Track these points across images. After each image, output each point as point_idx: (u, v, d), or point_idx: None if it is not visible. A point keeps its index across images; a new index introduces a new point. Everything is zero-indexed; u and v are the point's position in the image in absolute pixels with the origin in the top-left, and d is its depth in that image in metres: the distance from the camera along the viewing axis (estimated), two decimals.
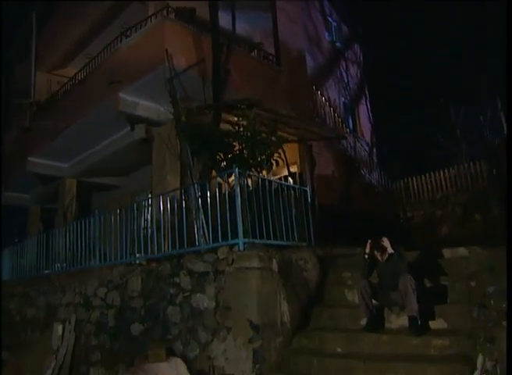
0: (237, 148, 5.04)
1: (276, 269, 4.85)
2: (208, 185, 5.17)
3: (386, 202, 11.65)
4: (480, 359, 3.53)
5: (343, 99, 12.47)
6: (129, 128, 8.94)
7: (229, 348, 4.47)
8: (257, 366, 4.28)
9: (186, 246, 5.30)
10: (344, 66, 12.85)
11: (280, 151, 5.62)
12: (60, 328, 6.47)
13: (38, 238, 8.28)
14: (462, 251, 5.24)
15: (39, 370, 6.29)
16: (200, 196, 5.24)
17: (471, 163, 12.04)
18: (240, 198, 4.83)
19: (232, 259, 4.64)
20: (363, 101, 13.62)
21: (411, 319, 4.18)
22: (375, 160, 12.68)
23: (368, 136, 13.25)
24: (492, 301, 3.83)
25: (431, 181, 12.90)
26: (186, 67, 6.95)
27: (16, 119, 11.51)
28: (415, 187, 13.14)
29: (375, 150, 13.31)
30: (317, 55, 11.60)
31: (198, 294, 4.89)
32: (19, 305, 8.13)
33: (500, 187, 9.74)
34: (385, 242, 4.47)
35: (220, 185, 5.16)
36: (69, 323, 6.51)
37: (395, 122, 13.90)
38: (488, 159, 11.21)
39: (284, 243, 5.38)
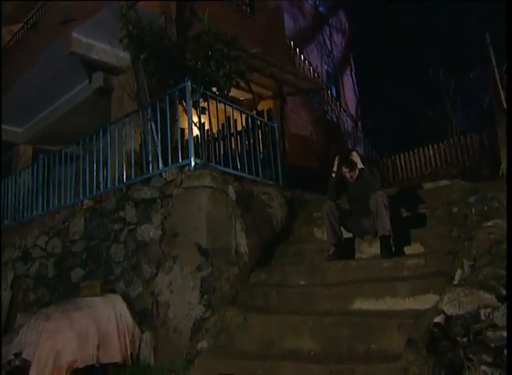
0: (191, 62, 4.64)
1: (234, 198, 4.46)
2: (158, 105, 4.77)
3: None
4: (458, 273, 3.19)
5: (326, 67, 12.20)
6: (87, 82, 8.56)
7: (175, 280, 4.05)
8: (205, 296, 3.87)
9: (134, 176, 4.88)
10: (328, 33, 12.60)
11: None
12: None
13: None
14: (444, 182, 4.95)
15: None
16: (149, 119, 4.83)
17: (462, 136, 11.83)
18: (191, 115, 4.45)
19: (181, 180, 4.24)
20: (348, 72, 13.38)
21: (383, 238, 3.81)
22: (360, 133, 12.39)
23: (352, 109, 12.98)
24: (473, 209, 3.50)
25: (419, 157, 12.65)
26: None
27: None
28: (403, 163, 12.88)
29: (360, 124, 13.03)
30: (297, 17, 11.33)
31: (144, 226, 4.48)
32: None
33: (492, 157, 9.55)
34: (355, 156, 4.10)
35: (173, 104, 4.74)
36: (5, 280, 6.01)
37: (382, 96, 13.62)
38: (480, 130, 11.03)
39: (245, 175, 4.99)
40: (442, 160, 12.20)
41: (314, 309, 3.58)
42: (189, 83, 4.47)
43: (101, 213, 5.01)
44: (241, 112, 5.37)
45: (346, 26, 13.79)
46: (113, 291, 4.50)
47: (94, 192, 5.31)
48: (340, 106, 11.31)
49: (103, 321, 3.88)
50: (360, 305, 3.46)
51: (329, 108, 10.28)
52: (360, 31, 13.98)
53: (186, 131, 4.63)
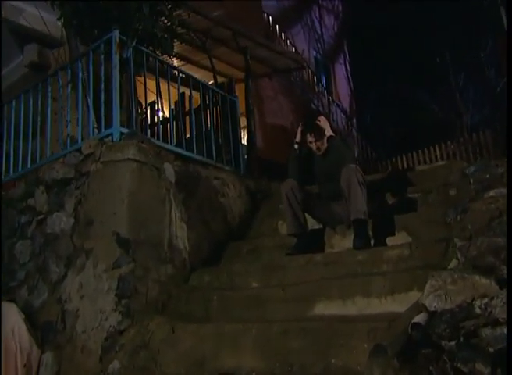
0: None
1: (172, 179, 3.96)
2: (80, 65, 4.28)
3: None
4: (453, 263, 2.70)
5: (314, 53, 11.86)
6: (21, 59, 8.13)
7: (87, 281, 3.50)
8: (123, 301, 3.32)
9: (49, 154, 4.37)
10: (317, 14, 12.30)
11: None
12: None
13: None
14: (440, 162, 4.50)
15: None
16: (69, 81, 4.34)
17: (474, 134, 11.47)
18: (117, 73, 3.97)
19: (101, 153, 3.72)
20: (341, 61, 13.06)
21: (357, 223, 3.30)
22: (355, 131, 11.99)
23: (346, 102, 12.62)
24: (471, 180, 3.03)
25: (424, 159, 12.24)
26: None
27: None
28: (405, 166, 12.46)
29: (355, 120, 12.65)
30: None
31: (55, 214, 3.94)
32: None
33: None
34: (323, 121, 3.59)
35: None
36: None
37: (381, 89, 13.27)
38: (494, 125, 10.69)
39: (192, 155, 4.49)
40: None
41: (262, 316, 3.05)
42: (116, 32, 4.00)
43: (7, 203, 4.47)
44: (191, 80, 4.89)
45: (340, 7, 13.53)
46: (14, 302, 3.94)
47: (3, 177, 4.77)
48: (330, 96, 10.91)
49: None
50: (322, 309, 2.93)
51: (315, 96, 9.87)
52: (355, 14, 13.71)
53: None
